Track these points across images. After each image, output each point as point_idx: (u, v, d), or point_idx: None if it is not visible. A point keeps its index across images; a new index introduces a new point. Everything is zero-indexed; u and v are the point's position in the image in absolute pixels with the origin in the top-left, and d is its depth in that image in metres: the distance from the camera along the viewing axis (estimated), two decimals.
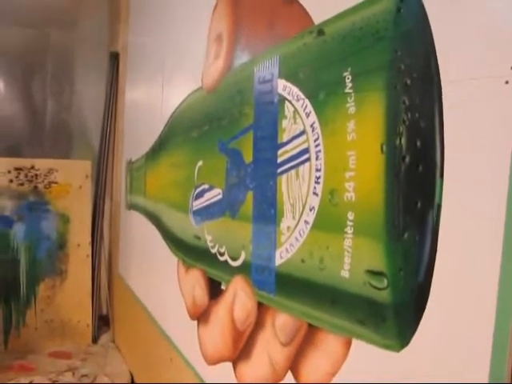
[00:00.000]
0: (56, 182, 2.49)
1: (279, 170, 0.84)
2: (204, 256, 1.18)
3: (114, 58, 2.64)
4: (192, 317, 1.26)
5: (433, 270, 0.54)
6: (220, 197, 1.09)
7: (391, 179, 0.59)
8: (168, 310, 1.52)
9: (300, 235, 0.77)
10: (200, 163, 1.22)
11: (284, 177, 0.82)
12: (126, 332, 2.30)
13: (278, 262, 0.84)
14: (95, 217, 2.60)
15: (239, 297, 0.98)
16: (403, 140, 0.57)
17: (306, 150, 0.76)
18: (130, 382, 2.07)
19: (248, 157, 0.95)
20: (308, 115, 0.76)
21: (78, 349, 2.42)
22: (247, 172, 0.95)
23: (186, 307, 1.30)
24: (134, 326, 2.08)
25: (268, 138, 0.88)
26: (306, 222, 0.76)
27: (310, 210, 0.75)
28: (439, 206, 0.53)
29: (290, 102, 0.81)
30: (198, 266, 1.23)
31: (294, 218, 0.79)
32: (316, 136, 0.74)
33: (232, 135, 1.03)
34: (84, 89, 2.85)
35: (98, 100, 2.74)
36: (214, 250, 1.12)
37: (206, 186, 1.18)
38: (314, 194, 0.74)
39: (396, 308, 0.58)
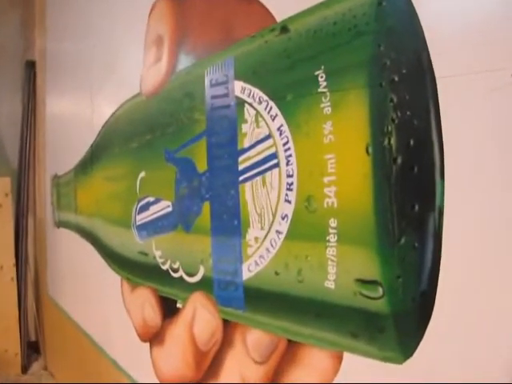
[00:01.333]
0: None
1: (241, 178, 0.78)
2: (153, 273, 1.11)
3: (31, 66, 2.50)
4: (143, 338, 1.18)
5: (437, 276, 0.50)
6: (169, 209, 1.02)
7: (380, 182, 0.56)
8: (112, 333, 1.43)
9: (272, 246, 0.72)
10: (142, 174, 1.15)
11: (248, 184, 0.77)
12: (60, 358, 2.17)
13: (245, 275, 0.79)
14: (18, 236, 2.44)
15: (200, 314, 0.92)
16: (393, 140, 0.54)
17: (274, 156, 0.71)
18: None
19: (202, 165, 0.89)
20: (274, 118, 0.71)
21: (6, 380, 2.26)
22: (201, 181, 0.90)
23: (135, 329, 1.22)
24: (72, 351, 1.96)
25: (225, 144, 0.82)
26: (278, 232, 0.71)
27: (283, 218, 0.70)
28: (441, 209, 0.49)
29: (250, 104, 0.76)
30: (146, 284, 1.16)
31: (262, 228, 0.74)
32: (285, 140, 0.69)
33: (181, 143, 0.97)
34: None
35: (15, 113, 2.58)
36: (165, 267, 1.05)
37: (150, 199, 1.11)
38: (287, 201, 0.69)
39: (396, 317, 0.55)
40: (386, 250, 0.55)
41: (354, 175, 0.59)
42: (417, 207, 0.52)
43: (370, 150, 0.56)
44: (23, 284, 2.43)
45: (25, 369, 2.40)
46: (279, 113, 0.70)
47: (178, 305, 1.00)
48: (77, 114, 1.75)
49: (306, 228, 0.66)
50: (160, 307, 1.09)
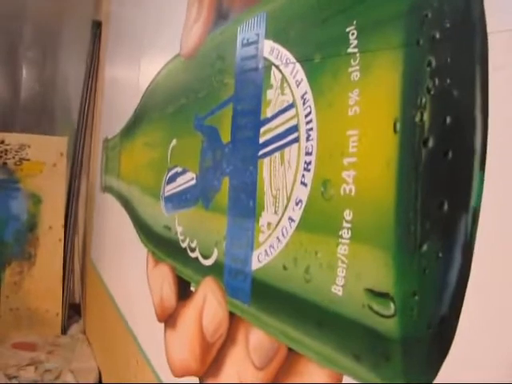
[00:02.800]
0: (28, 159, 2.33)
1: (261, 152, 0.68)
2: (174, 250, 1.03)
3: (97, 27, 2.47)
4: (159, 319, 1.11)
5: (463, 299, 0.38)
6: (193, 182, 0.93)
7: (406, 169, 0.44)
8: (136, 308, 1.37)
9: (283, 235, 0.62)
10: (174, 142, 1.06)
11: (266, 160, 0.67)
12: (96, 324, 2.15)
13: (255, 265, 0.69)
14: (70, 198, 2.44)
15: (209, 302, 0.83)
16: (426, 116, 0.42)
17: (295, 128, 0.60)
18: (97, 381, 1.92)
19: (226, 135, 0.80)
20: (299, 84, 0.60)
21: (44, 340, 2.27)
22: (224, 154, 0.80)
23: (154, 307, 1.15)
24: (104, 320, 1.93)
25: (249, 112, 0.72)
26: (291, 219, 0.60)
27: (297, 204, 0.59)
28: (476, 210, 0.38)
29: (277, 67, 0.66)
30: (167, 261, 1.08)
31: (276, 212, 0.64)
32: (308, 110, 0.58)
33: (209, 110, 0.88)
34: (64, 59, 2.67)
35: (79, 72, 2.57)
36: (184, 245, 0.96)
37: (178, 169, 1.02)
38: (302, 183, 0.58)
39: (405, 345, 0.43)
40: (404, 256, 0.44)
41: (376, 158, 0.47)
42: (446, 205, 0.40)
43: (398, 126, 0.45)
44: (70, 246, 2.43)
45: (64, 330, 2.40)
46: (304, 77, 0.60)
47: (192, 288, 0.92)
48: (127, 78, 1.69)
49: (319, 218, 0.56)
50: (177, 287, 1.01)
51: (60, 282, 2.37)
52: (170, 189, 1.07)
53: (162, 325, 1.08)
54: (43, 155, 2.34)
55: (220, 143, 0.81)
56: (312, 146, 0.57)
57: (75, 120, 2.54)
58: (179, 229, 1.00)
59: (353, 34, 0.52)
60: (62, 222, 2.36)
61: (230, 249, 0.77)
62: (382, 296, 0.46)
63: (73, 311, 2.53)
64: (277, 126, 0.65)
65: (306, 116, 0.58)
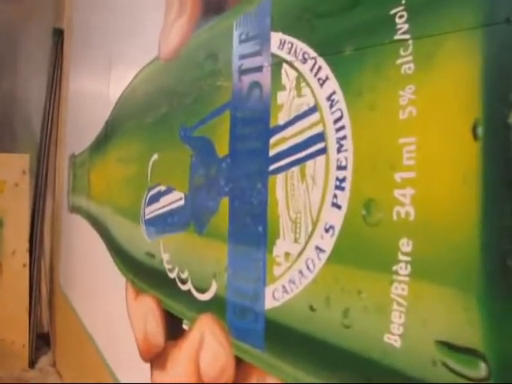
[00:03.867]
0: None
1: (272, 167, 0.57)
2: (159, 281, 0.91)
3: (58, 35, 2.34)
4: (144, 357, 0.99)
5: None
6: (182, 203, 0.81)
7: (492, 185, 0.34)
8: (115, 342, 1.24)
9: (308, 269, 0.51)
10: (155, 157, 0.94)
11: (280, 177, 0.56)
12: (67, 356, 2.00)
13: (269, 303, 0.58)
14: (34, 220, 2.29)
15: (208, 344, 0.72)
16: None
17: (320, 137, 0.50)
18: None
19: (222, 148, 0.69)
20: (323, 82, 0.50)
21: (10, 375, 2.11)
22: (221, 169, 0.69)
23: (137, 343, 1.03)
24: (77, 351, 1.78)
25: (254, 119, 0.61)
26: (319, 249, 0.49)
27: (327, 230, 0.48)
28: None
29: (290, 64, 0.55)
30: (151, 292, 0.96)
31: (296, 240, 0.53)
32: (338, 114, 0.48)
33: (199, 118, 0.76)
34: (24, 70, 2.52)
35: (41, 83, 2.43)
36: (172, 275, 0.85)
37: (162, 188, 0.90)
38: (335, 205, 0.48)
39: None
40: (496, 300, 0.33)
41: (446, 172, 0.37)
42: None
43: (480, 130, 0.34)
44: (36, 271, 2.27)
45: (32, 363, 2.25)
46: (331, 74, 0.49)
47: (185, 325, 0.80)
48: (95, 87, 1.57)
49: (360, 248, 0.45)
50: (164, 323, 0.89)
51: (26, 311, 2.22)
52: (152, 210, 0.95)
53: (148, 365, 0.96)
54: (4, 174, 2.20)
55: (215, 157, 0.70)
56: (346, 158, 0.46)
57: (38, 135, 2.39)
58: (165, 256, 0.88)
59: (401, 16, 0.41)
60: (26, 245, 2.21)
61: (233, 282, 0.65)
62: (464, 352, 0.35)
63: (41, 341, 2.37)
64: (293, 135, 0.54)
65: (336, 121, 0.48)
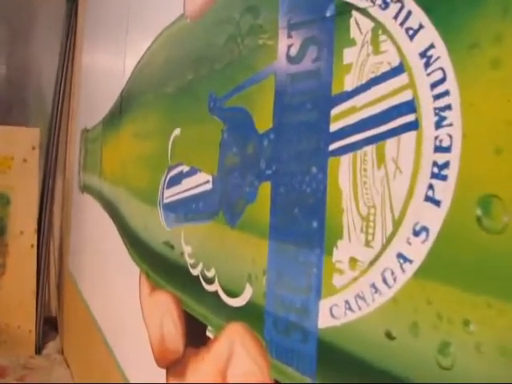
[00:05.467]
0: None
1: (334, 146, 0.45)
2: (178, 275, 0.79)
3: (72, 1, 2.21)
4: (159, 362, 0.87)
5: None
6: (209, 187, 0.69)
7: None
8: (125, 338, 1.13)
9: (385, 282, 0.39)
10: (177, 132, 0.82)
11: (345, 159, 0.43)
12: (76, 343, 1.91)
13: (324, 321, 0.45)
14: (43, 198, 2.19)
15: (239, 360, 0.60)
16: None
17: (409, 106, 0.37)
18: None
19: (264, 121, 0.56)
20: (414, 33, 0.37)
21: (16, 362, 2.02)
22: (261, 147, 0.56)
23: (151, 346, 0.91)
24: (85, 340, 1.68)
25: (309, 85, 0.49)
26: (404, 258, 0.37)
27: (417, 233, 0.36)
28: None
29: (363, 12, 0.42)
30: (168, 288, 0.84)
31: (368, 243, 0.40)
32: (438, 75, 0.35)
33: (233, 85, 0.64)
34: (37, 39, 2.40)
35: (54, 53, 2.31)
36: (195, 271, 0.73)
37: (184, 168, 0.78)
38: (430, 200, 0.35)
39: None
40: None
41: None
42: None
43: None
44: (44, 253, 2.18)
45: (39, 349, 2.16)
46: (427, 21, 0.36)
47: (209, 333, 0.68)
48: (110, 56, 1.44)
49: (471, 263, 0.32)
50: (184, 327, 0.78)
51: (33, 295, 2.12)
52: (172, 194, 0.83)
53: (164, 371, 0.85)
54: (12, 149, 2.09)
55: (253, 132, 0.58)
56: (450, 136, 0.34)
57: (49, 108, 2.28)
58: (187, 249, 0.76)
59: None
60: (34, 226, 2.11)
61: (274, 289, 0.53)
62: None
63: (49, 326, 2.28)
64: (367, 105, 0.41)
65: (435, 86, 0.35)
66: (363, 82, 0.42)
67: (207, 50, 0.73)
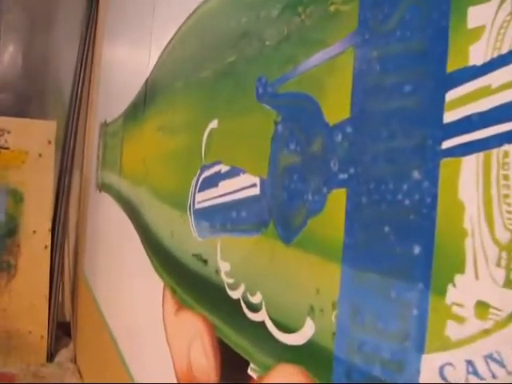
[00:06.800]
0: (7, 148, 2.00)
1: (450, 143, 0.33)
2: (213, 297, 0.68)
3: None
4: None
5: None
6: (255, 192, 0.57)
7: None
8: (144, 355, 1.02)
9: None
10: (213, 124, 0.70)
11: (470, 161, 0.31)
12: (90, 352, 1.81)
13: None
14: (58, 196, 2.09)
15: None
16: None
17: None
18: None
19: (336, 110, 0.44)
20: None
21: (26, 370, 1.93)
22: (333, 143, 0.44)
23: (175, 371, 0.80)
24: (100, 350, 1.58)
25: (411, 60, 0.37)
26: None
27: None
28: None
29: None
30: (199, 309, 0.73)
31: (510, 283, 0.28)
32: None
33: (290, 66, 0.52)
34: (56, 27, 2.30)
35: (73, 42, 2.21)
36: (234, 294, 0.61)
37: (223, 168, 0.67)
38: None
39: None
40: None
41: None
42: None
43: None
44: (59, 255, 2.08)
45: (50, 356, 2.06)
46: None
47: (251, 372, 0.56)
48: (133, 41, 1.34)
49: None
50: (218, 358, 0.66)
51: (45, 299, 2.03)
52: (206, 198, 0.71)
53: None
54: (26, 143, 2.00)
55: (321, 124, 0.46)
56: None
57: (67, 100, 2.18)
58: (224, 266, 0.64)
59: None
60: (48, 225, 2.01)
61: (349, 329, 0.41)
62: None
63: (61, 332, 2.18)
64: (508, 85, 0.29)
65: None
66: (502, 52, 0.30)
67: (254, 24, 0.61)
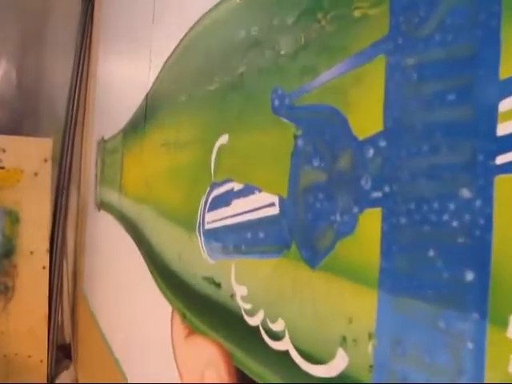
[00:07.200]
0: (2, 167, 1.95)
1: (506, 159, 0.30)
2: (228, 323, 0.64)
3: (88, 1, 2.09)
4: None
5: None
6: (274, 212, 0.54)
7: None
8: (148, 379, 0.98)
9: None
10: (224, 140, 0.67)
11: None
12: (92, 374, 1.76)
13: None
14: (56, 216, 2.06)
15: None
16: None
17: None
18: None
19: (366, 122, 0.41)
20: None
21: None
22: (364, 159, 0.41)
23: None
24: (102, 372, 1.54)
25: (455, 67, 0.34)
26: None
27: None
28: None
29: None
30: (212, 334, 0.69)
31: None
32: None
33: (310, 76, 0.49)
34: (50, 42, 2.27)
35: (68, 57, 2.18)
36: (252, 321, 0.58)
37: (235, 186, 0.63)
38: None
39: None
40: None
41: None
42: None
43: None
44: (57, 275, 2.05)
45: (51, 380, 2.02)
46: None
47: None
48: (131, 52, 1.31)
49: None
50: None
51: (45, 321, 1.99)
52: (217, 218, 0.68)
53: None
54: (22, 161, 1.97)
55: (349, 138, 0.43)
56: None
57: (62, 117, 2.15)
58: (240, 290, 0.61)
59: None
60: (46, 245, 1.98)
61: (389, 362, 0.38)
62: None
63: (62, 354, 2.14)
64: None
65: None
66: None
67: (267, 33, 0.58)
